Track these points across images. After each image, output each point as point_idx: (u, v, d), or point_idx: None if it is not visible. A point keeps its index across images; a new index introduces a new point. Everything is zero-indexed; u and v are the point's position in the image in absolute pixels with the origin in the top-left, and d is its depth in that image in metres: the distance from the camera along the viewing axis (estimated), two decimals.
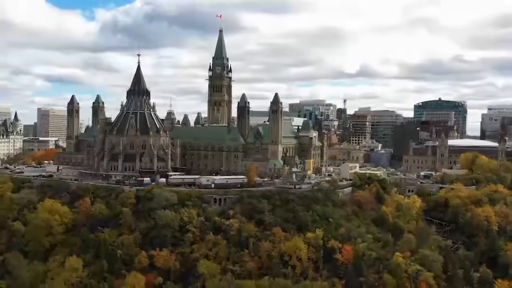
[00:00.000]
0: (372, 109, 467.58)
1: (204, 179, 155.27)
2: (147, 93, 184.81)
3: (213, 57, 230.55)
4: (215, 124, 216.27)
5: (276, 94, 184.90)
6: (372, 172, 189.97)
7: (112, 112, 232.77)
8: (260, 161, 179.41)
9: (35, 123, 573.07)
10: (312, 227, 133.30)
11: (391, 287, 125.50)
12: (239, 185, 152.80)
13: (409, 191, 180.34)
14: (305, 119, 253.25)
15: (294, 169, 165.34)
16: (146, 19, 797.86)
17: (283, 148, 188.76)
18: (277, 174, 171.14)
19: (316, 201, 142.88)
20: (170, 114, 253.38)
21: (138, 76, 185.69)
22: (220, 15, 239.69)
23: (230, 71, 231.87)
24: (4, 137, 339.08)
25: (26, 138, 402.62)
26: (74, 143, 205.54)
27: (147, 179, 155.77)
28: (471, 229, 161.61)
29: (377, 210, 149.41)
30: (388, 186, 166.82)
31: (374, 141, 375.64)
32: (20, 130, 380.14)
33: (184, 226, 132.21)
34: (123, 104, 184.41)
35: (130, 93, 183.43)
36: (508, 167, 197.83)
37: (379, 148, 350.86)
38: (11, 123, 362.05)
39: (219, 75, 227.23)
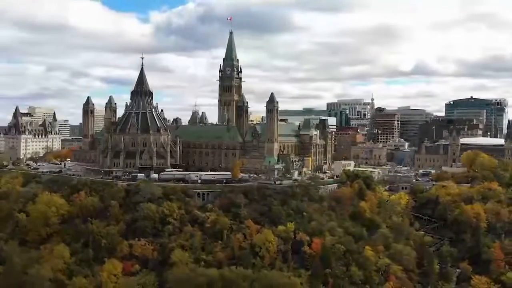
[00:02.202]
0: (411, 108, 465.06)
1: (193, 175, 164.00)
2: (149, 94, 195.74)
3: (223, 59, 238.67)
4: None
5: (272, 93, 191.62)
6: (360, 169, 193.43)
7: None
8: (257, 158, 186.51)
9: (80, 123, 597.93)
10: (286, 220, 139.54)
11: (357, 279, 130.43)
12: (224, 181, 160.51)
13: (402, 188, 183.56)
14: (306, 117, 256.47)
15: (276, 166, 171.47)
16: (199, 20, 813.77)
17: (282, 146, 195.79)
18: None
19: (294, 197, 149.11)
20: (195, 113, 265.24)
21: (141, 78, 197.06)
22: (231, 18, 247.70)
23: (240, 72, 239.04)
24: (43, 136, 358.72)
25: (67, 137, 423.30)
26: (89, 141, 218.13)
27: (140, 175, 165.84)
28: (458, 226, 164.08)
29: (356, 206, 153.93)
30: (373, 183, 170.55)
31: (402, 140, 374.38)
32: (59, 130, 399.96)
33: (165, 218, 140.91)
34: (127, 105, 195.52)
35: (133, 94, 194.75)
36: (507, 166, 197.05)
37: (405, 147, 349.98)
38: (50, 123, 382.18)
39: (229, 76, 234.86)
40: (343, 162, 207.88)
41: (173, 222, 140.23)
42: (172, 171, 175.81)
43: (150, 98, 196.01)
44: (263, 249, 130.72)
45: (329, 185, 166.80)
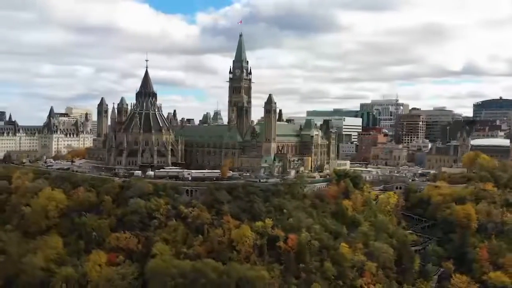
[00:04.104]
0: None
1: (186, 173, 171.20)
2: (153, 95, 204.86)
3: (233, 60, 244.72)
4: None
5: (270, 95, 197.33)
6: (352, 169, 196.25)
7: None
8: (255, 157, 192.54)
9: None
10: (266, 217, 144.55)
11: (330, 275, 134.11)
12: (214, 178, 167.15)
13: (397, 188, 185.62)
14: (308, 118, 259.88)
15: (263, 165, 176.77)
16: (244, 21, 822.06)
17: (282, 146, 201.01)
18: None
19: (276, 194, 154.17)
20: (216, 114, 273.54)
21: (146, 80, 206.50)
22: (241, 21, 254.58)
23: (250, 73, 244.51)
24: (74, 136, 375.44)
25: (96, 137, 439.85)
26: (102, 140, 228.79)
27: (137, 172, 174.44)
28: (448, 226, 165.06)
29: (339, 204, 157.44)
30: (362, 182, 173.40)
31: (427, 141, 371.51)
32: (90, 129, 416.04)
33: (152, 213, 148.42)
34: (133, 105, 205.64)
35: (138, 95, 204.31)
36: (507, 167, 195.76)
37: (429, 148, 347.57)
38: (82, 123, 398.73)
39: (238, 77, 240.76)
40: (337, 161, 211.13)
41: (159, 217, 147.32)
42: (171, 169, 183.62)
43: (153, 99, 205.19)
44: (239, 243, 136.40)
45: (317, 184, 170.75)
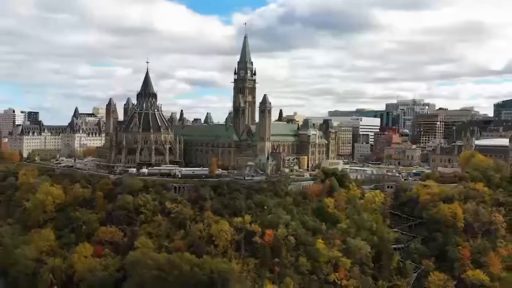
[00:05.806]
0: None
1: (177, 170, 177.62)
2: (153, 96, 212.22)
3: (238, 62, 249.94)
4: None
5: (265, 95, 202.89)
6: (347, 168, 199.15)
7: None
8: (249, 156, 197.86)
9: None
10: (246, 213, 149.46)
11: (304, 269, 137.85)
12: (203, 176, 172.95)
13: (388, 187, 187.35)
14: (306, 118, 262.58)
15: (249, 163, 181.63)
16: (280, 21, 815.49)
17: (278, 145, 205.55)
18: (262, 168, 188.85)
19: (259, 191, 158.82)
20: (230, 114, 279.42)
21: (146, 81, 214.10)
22: (245, 23, 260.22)
23: (254, 74, 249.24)
24: (96, 135, 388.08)
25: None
26: (110, 139, 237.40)
27: (132, 169, 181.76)
28: (434, 225, 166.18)
29: (322, 202, 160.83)
30: (347, 181, 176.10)
31: (444, 141, 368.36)
32: None
33: (138, 208, 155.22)
34: (133, 105, 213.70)
35: (139, 95, 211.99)
36: (500, 167, 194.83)
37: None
38: (104, 122, 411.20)
39: (242, 78, 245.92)
40: (329, 161, 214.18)
41: (145, 212, 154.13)
42: (165, 166, 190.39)
43: (154, 99, 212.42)
44: (218, 238, 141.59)
45: (303, 182, 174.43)
